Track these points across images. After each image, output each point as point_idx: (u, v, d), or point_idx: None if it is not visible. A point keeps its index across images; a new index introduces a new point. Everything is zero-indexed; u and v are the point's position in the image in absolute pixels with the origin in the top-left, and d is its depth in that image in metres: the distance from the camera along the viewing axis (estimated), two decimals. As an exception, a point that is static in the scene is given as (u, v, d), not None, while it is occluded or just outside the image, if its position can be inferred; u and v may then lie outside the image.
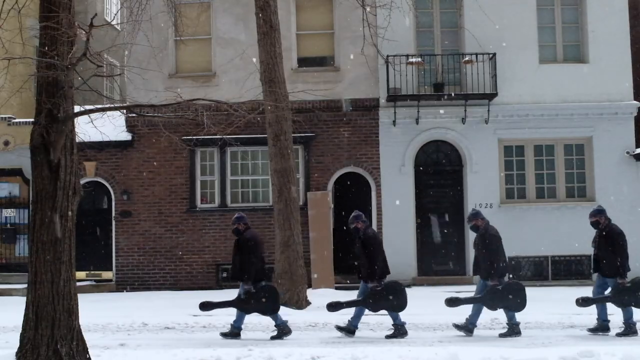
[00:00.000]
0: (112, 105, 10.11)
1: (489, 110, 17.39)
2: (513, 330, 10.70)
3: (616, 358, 8.42)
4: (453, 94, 17.32)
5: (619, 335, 10.65)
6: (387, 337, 10.76)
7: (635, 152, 17.43)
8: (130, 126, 17.75)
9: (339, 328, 10.98)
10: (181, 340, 10.80)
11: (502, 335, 10.73)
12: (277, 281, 14.38)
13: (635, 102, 17.73)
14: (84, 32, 8.06)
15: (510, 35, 17.56)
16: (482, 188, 17.41)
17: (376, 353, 8.81)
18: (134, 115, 16.12)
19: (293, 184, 14.57)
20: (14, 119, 18.03)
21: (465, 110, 17.37)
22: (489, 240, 10.84)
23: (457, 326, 10.94)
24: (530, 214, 17.35)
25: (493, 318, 12.04)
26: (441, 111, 17.51)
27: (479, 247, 11.00)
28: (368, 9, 15.58)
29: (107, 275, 17.79)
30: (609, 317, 10.89)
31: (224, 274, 17.51)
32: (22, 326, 8.09)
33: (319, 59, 18.16)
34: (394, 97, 17.14)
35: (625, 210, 17.33)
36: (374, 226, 17.48)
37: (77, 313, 8.16)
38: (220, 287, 17.06)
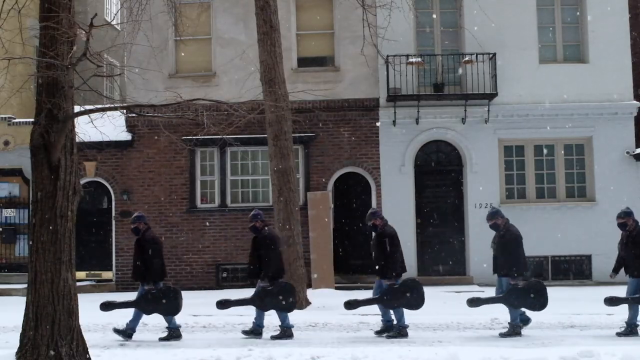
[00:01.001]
0: (112, 105, 10.09)
1: (489, 110, 17.38)
2: (400, 332, 10.71)
3: (616, 358, 8.42)
4: (453, 94, 17.34)
5: (502, 335, 10.63)
6: (273, 337, 10.75)
7: (635, 152, 17.43)
8: (130, 126, 17.75)
9: (245, 332, 10.97)
10: (181, 340, 10.80)
11: (380, 334, 10.80)
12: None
13: (635, 102, 17.72)
14: (84, 32, 8.06)
15: (510, 35, 17.56)
16: (482, 188, 17.39)
17: (376, 353, 8.82)
18: (134, 115, 16.13)
19: (293, 184, 14.58)
20: (14, 119, 18.03)
21: (465, 110, 17.37)
22: (388, 240, 10.82)
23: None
24: (530, 214, 17.32)
25: (493, 318, 12.04)
26: (441, 111, 17.52)
27: (376, 246, 10.99)
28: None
29: (107, 275, 17.79)
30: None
31: (224, 274, 17.52)
32: (22, 326, 8.10)
33: (319, 59, 18.14)
34: (394, 97, 17.14)
35: (625, 210, 17.35)
36: (374, 226, 17.47)
37: (77, 313, 8.17)
38: (220, 287, 17.05)
